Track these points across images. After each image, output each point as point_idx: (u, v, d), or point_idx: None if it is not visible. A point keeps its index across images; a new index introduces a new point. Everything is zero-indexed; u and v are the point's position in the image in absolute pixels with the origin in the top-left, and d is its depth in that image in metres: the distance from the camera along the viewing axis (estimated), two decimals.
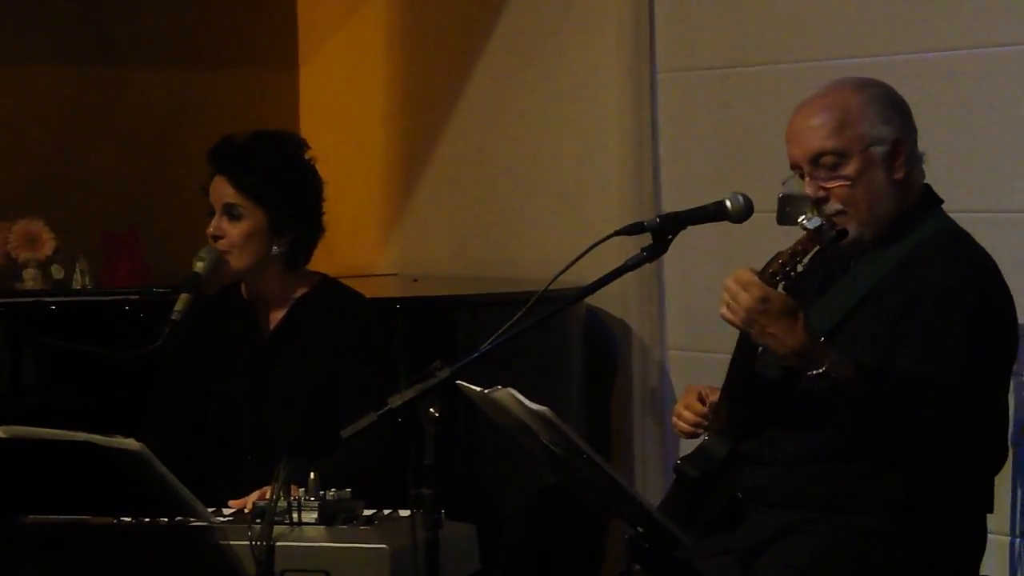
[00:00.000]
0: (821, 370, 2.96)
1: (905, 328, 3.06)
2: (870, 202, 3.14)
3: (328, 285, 3.86)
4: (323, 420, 3.67)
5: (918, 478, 3.05)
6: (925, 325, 3.05)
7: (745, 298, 2.98)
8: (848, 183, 3.13)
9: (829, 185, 3.14)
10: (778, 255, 3.03)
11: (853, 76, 3.25)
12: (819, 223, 3.05)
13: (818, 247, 3.10)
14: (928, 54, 4.14)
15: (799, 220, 3.07)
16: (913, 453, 3.03)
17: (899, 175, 3.15)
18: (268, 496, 3.38)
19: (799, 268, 3.03)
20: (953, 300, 3.05)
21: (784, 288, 3.01)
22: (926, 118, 3.31)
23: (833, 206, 3.14)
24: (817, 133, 3.15)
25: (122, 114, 5.33)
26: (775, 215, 3.18)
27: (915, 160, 3.20)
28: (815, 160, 3.15)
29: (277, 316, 3.80)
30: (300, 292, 3.81)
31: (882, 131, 3.15)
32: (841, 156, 3.13)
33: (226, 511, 3.39)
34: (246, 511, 3.39)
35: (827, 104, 3.17)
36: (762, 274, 3.01)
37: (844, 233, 3.13)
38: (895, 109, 3.18)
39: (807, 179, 3.16)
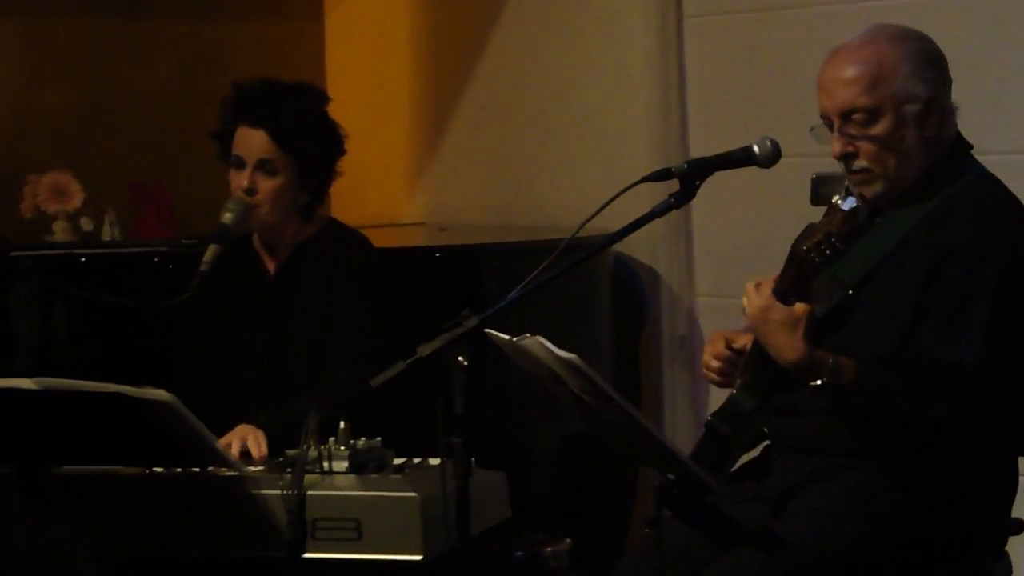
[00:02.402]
0: (819, 382, 2.98)
1: (932, 295, 3.04)
2: (898, 161, 3.09)
3: (332, 228, 3.86)
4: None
5: (955, 439, 3.04)
6: (951, 295, 3.02)
7: (753, 302, 3.00)
8: (878, 142, 3.09)
9: (859, 142, 3.11)
10: (813, 229, 2.98)
11: (891, 26, 3.16)
12: (854, 204, 3.01)
13: (853, 228, 3.06)
14: None
15: (834, 200, 3.03)
16: (928, 444, 3.03)
17: (930, 133, 3.10)
18: (239, 439, 3.44)
19: (837, 248, 2.99)
20: (982, 267, 3.02)
21: (816, 266, 2.99)
22: (963, 60, 3.26)
23: (860, 163, 3.10)
24: (850, 88, 3.08)
25: (148, 66, 5.33)
26: (808, 194, 3.17)
27: (947, 114, 3.13)
28: (846, 115, 3.09)
29: (281, 261, 3.81)
30: (305, 236, 3.81)
31: (916, 89, 3.08)
32: (873, 114, 3.08)
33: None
34: (233, 450, 3.42)
35: (862, 56, 3.10)
36: (796, 247, 2.98)
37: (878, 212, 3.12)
38: (931, 65, 3.11)
39: (836, 133, 3.12)
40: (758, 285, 3.02)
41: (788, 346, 2.98)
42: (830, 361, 2.98)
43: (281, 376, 3.75)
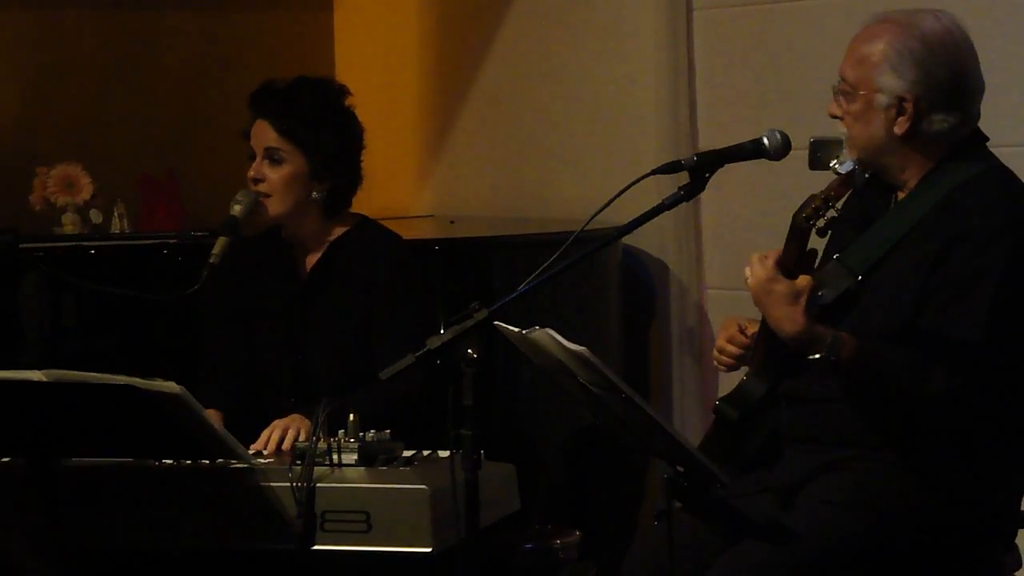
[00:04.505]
0: (818, 356, 2.98)
1: (938, 279, 3.04)
2: (865, 143, 3.11)
3: (365, 226, 3.86)
4: (362, 360, 3.68)
5: (956, 419, 3.05)
6: (956, 278, 3.03)
7: (756, 274, 3.00)
8: (851, 117, 3.12)
9: (843, 110, 3.14)
10: (812, 197, 3.01)
11: (915, 14, 3.13)
12: (851, 167, 3.02)
13: (851, 191, 3.07)
14: None
15: (831, 164, 3.04)
16: (928, 422, 3.04)
17: (900, 131, 3.09)
18: (273, 436, 3.44)
19: (833, 212, 3.00)
20: (989, 250, 3.02)
21: (817, 233, 3.00)
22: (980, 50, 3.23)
23: (842, 128, 3.14)
24: (848, 58, 3.14)
25: (158, 58, 5.34)
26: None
27: (927, 119, 3.08)
28: (841, 81, 3.15)
29: (314, 258, 3.81)
30: (337, 234, 3.81)
31: (889, 83, 3.08)
32: (852, 89, 3.12)
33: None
34: (266, 452, 3.42)
35: (870, 35, 3.13)
36: (796, 216, 3.00)
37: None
38: (918, 66, 3.07)
39: (834, 93, 3.16)
40: (763, 257, 3.02)
41: (788, 319, 2.98)
42: (830, 337, 2.99)
43: (308, 369, 3.76)
